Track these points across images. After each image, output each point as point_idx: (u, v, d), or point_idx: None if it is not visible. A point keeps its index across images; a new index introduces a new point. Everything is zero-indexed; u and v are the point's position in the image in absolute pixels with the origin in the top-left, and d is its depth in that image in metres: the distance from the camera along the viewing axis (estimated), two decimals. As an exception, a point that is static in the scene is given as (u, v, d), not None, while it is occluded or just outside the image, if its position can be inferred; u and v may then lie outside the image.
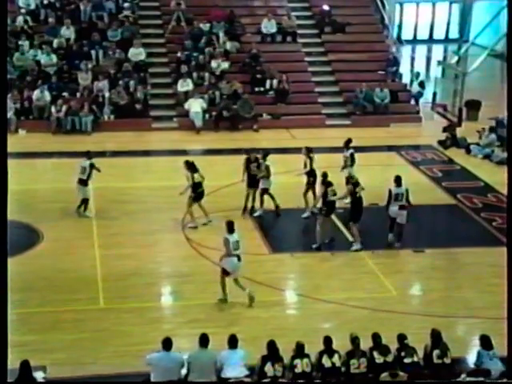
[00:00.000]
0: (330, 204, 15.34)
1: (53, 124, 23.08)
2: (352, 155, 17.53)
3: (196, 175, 16.17)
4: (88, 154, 16.97)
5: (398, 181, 15.31)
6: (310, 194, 16.98)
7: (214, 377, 10.14)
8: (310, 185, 16.89)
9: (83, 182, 16.57)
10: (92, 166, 16.66)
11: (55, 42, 25.07)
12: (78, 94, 24.12)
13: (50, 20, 25.87)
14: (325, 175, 15.49)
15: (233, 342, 10.34)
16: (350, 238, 15.56)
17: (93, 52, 25.13)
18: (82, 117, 23.19)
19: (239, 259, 12.96)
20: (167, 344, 10.12)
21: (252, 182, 16.93)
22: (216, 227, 15.41)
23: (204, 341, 10.27)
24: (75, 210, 16.60)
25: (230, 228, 12.98)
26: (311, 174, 16.85)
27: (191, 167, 16.21)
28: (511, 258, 9.72)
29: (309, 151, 17.07)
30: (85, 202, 16.64)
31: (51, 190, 18.46)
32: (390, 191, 15.31)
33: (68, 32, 25.46)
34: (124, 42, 25.54)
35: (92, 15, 26.32)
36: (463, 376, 10.29)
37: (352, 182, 15.42)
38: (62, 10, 26.38)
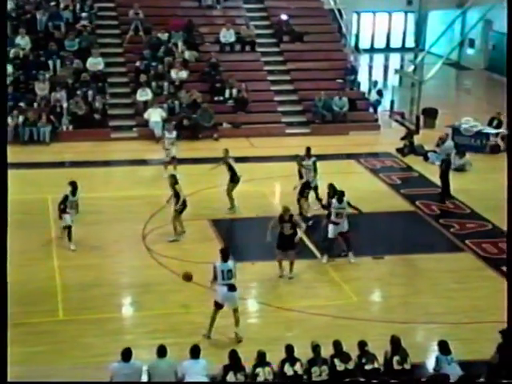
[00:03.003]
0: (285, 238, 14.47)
1: (10, 135, 22.77)
2: (315, 163, 17.59)
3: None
4: (71, 185, 15.68)
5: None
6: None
7: None
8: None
9: (62, 210, 15.63)
10: (64, 198, 15.56)
11: (11, 52, 24.75)
12: (36, 105, 23.88)
13: (6, 29, 25.58)
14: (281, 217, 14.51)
15: (195, 352, 10.30)
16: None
17: (50, 62, 24.89)
18: (39, 127, 22.96)
19: (231, 289, 12.24)
20: (126, 355, 10.08)
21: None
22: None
23: (162, 351, 10.21)
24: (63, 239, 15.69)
25: (223, 255, 12.34)
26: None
27: (177, 181, 16.03)
28: (510, 264, 9.89)
29: (226, 152, 17.63)
30: (67, 228, 15.56)
31: (9, 201, 18.19)
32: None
33: (24, 42, 25.17)
34: (82, 52, 25.37)
35: (48, 25, 26.04)
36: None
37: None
38: (17, 20, 26.05)
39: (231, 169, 17.52)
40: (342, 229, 15.05)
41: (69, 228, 15.53)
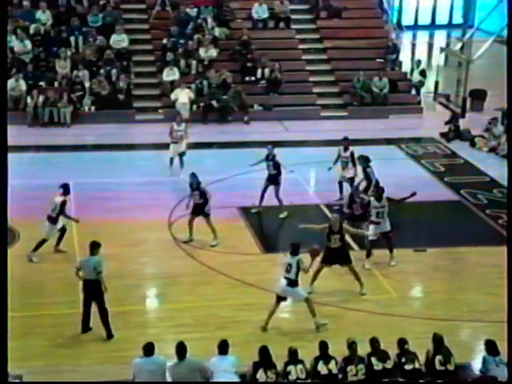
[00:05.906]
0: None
1: (29, 115, 23.02)
2: (352, 155, 17.38)
3: None
4: (64, 188, 14.94)
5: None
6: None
7: None
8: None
9: (50, 219, 14.75)
10: (63, 204, 14.73)
11: (31, 28, 24.97)
12: (56, 84, 24.06)
13: (25, 3, 25.75)
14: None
15: (223, 348, 10.32)
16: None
17: (72, 38, 25.08)
18: (60, 108, 23.14)
19: (290, 284, 12.33)
20: (148, 349, 10.13)
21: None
22: (205, 225, 15.44)
23: (181, 352, 10.09)
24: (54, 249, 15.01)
25: (292, 249, 12.47)
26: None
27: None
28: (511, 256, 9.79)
29: (272, 149, 17.14)
30: (42, 242, 14.69)
31: (27, 186, 18.39)
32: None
33: (45, 17, 25.37)
34: (105, 28, 25.49)
35: (71, -1, 26.26)
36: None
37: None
38: (38, -7, 26.30)
39: (277, 168, 16.99)
40: (384, 228, 14.73)
41: (44, 241, 14.69)
